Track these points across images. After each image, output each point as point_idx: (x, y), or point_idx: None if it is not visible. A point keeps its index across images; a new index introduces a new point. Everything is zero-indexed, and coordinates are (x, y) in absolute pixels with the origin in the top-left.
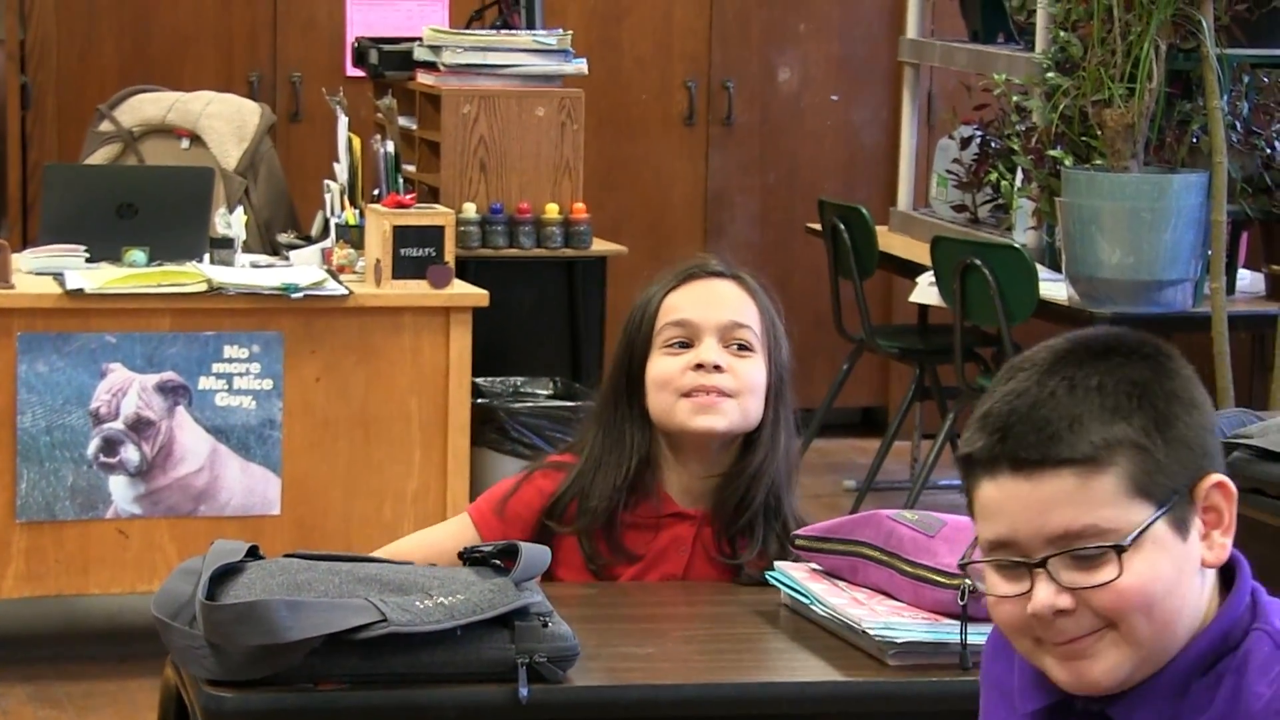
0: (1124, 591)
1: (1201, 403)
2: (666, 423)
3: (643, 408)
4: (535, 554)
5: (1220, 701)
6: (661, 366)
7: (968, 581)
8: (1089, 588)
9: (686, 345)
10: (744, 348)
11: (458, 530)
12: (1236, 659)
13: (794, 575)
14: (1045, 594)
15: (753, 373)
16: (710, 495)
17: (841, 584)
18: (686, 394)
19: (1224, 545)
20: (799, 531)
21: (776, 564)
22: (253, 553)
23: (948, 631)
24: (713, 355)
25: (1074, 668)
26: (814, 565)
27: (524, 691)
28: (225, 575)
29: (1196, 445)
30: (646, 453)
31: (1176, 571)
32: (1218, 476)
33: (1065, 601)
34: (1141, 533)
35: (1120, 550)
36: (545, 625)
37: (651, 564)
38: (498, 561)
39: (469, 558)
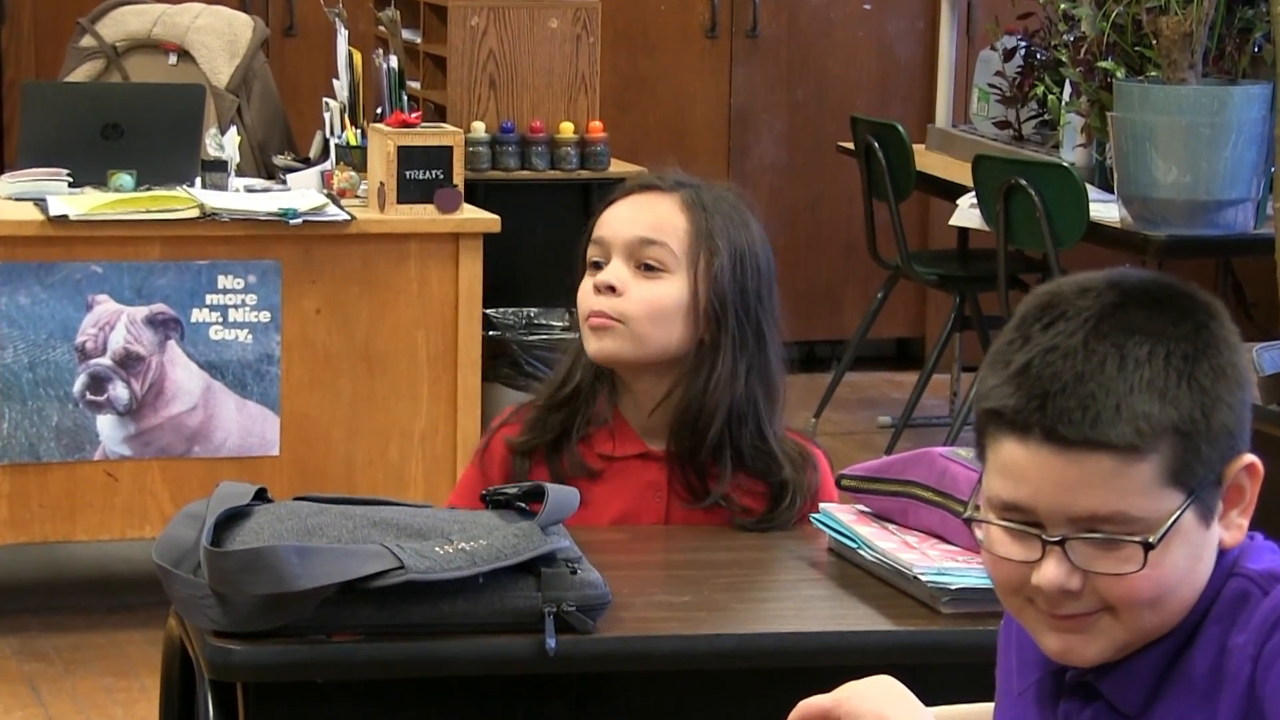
0: (1138, 586)
1: (1244, 378)
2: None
3: None
4: (563, 496)
5: (1200, 660)
6: (580, 289)
7: None
8: (1103, 574)
9: (602, 264)
10: (652, 267)
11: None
12: (1216, 609)
13: (840, 518)
14: (1057, 572)
15: (654, 295)
16: (664, 429)
17: (891, 527)
18: (587, 318)
19: (1241, 526)
20: (846, 471)
21: (822, 506)
22: (260, 496)
23: None
24: (608, 276)
25: (1064, 639)
26: (861, 507)
27: (551, 643)
28: (231, 520)
29: (1235, 427)
30: (593, 380)
31: (1193, 560)
32: (1249, 458)
33: (1075, 583)
34: (1170, 526)
35: (1149, 547)
36: (574, 572)
37: (629, 513)
38: (523, 504)
39: (492, 500)
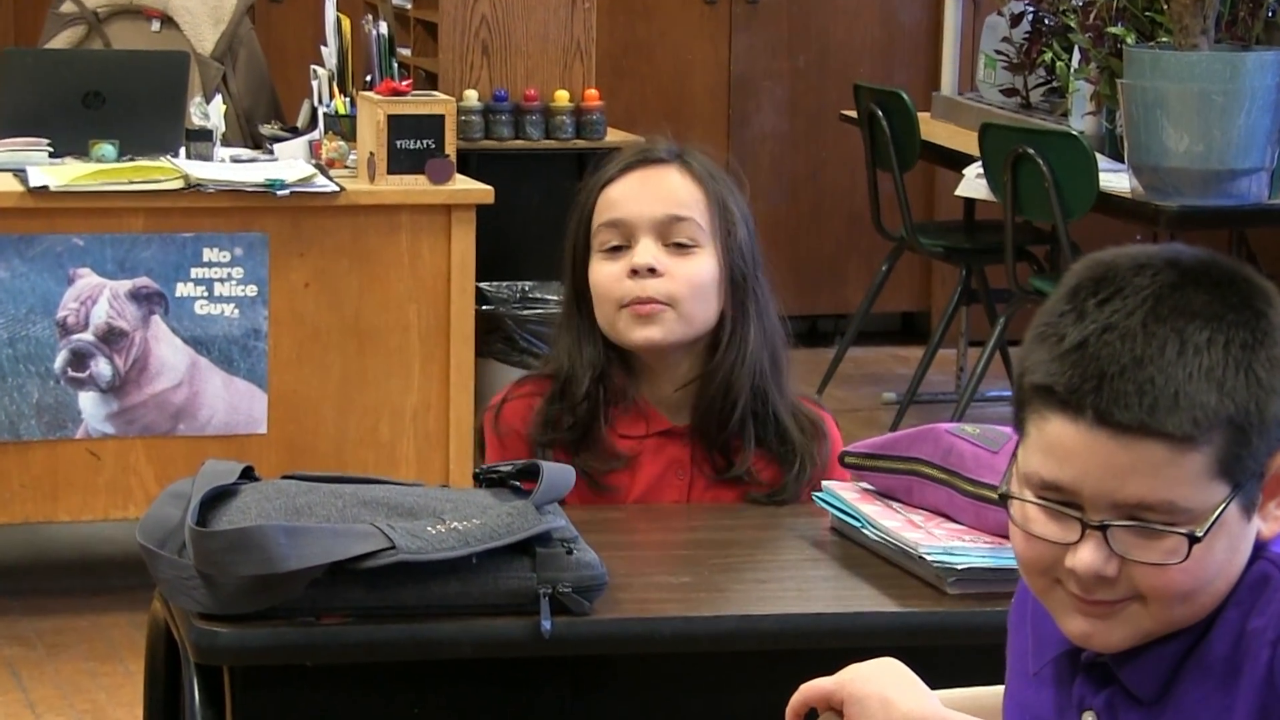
0: (1176, 578)
1: None
2: (612, 336)
3: (594, 315)
4: (558, 474)
5: (1219, 645)
6: (599, 274)
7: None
8: (1143, 563)
9: (623, 248)
10: (684, 245)
11: None
12: (1238, 593)
13: (843, 496)
14: (1094, 557)
15: (695, 272)
16: (689, 406)
17: (896, 505)
18: (626, 304)
19: (1279, 517)
20: (849, 448)
21: (824, 484)
22: (247, 474)
23: (1012, 557)
24: (647, 259)
25: (1089, 624)
26: (865, 485)
27: (546, 624)
28: (217, 499)
29: None
30: (605, 365)
31: (1231, 553)
32: None
33: (1112, 569)
34: (1216, 519)
35: (1194, 540)
36: (569, 552)
37: (651, 491)
38: (517, 482)
39: (485, 478)
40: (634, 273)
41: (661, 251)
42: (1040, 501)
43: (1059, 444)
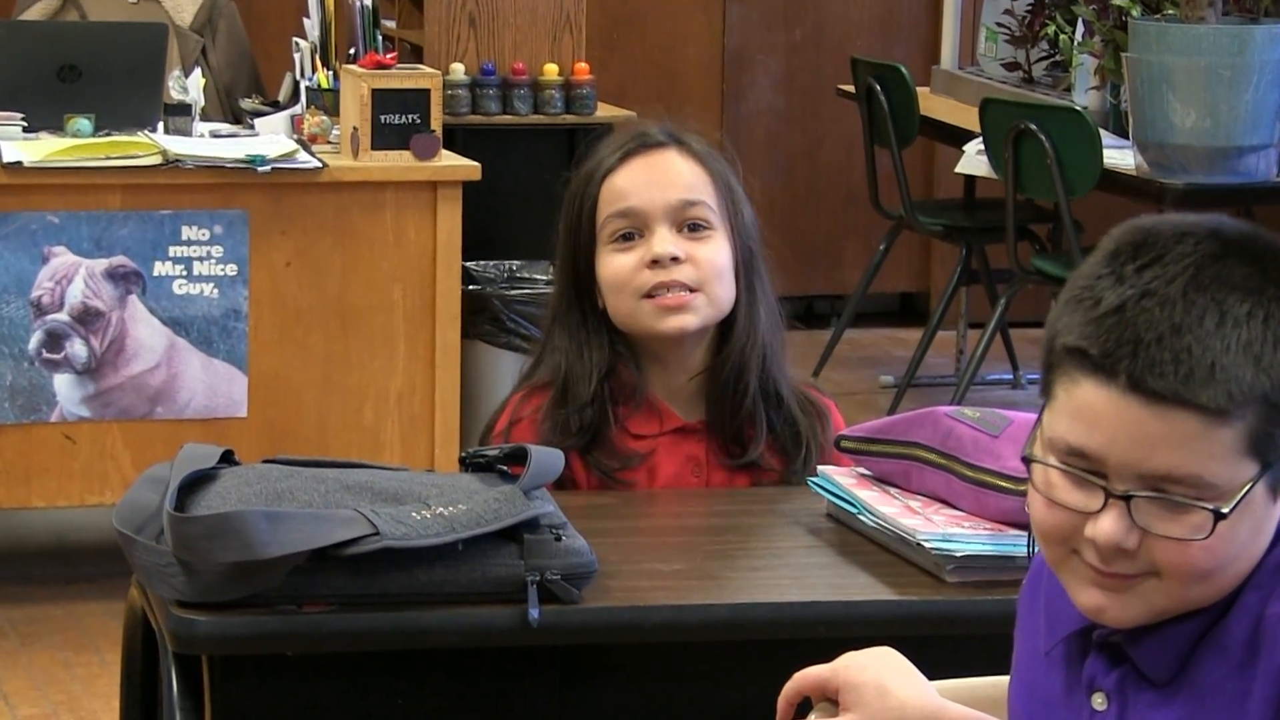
0: (1197, 556)
1: None
2: (632, 327)
3: (599, 310)
4: (547, 457)
5: (1236, 628)
6: (614, 266)
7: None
8: (1164, 538)
9: (635, 236)
10: (699, 227)
11: None
12: (1258, 576)
13: (839, 481)
14: (1115, 528)
15: (715, 255)
16: (702, 396)
17: (893, 490)
18: (648, 294)
19: None
20: (845, 431)
21: (820, 469)
22: (227, 458)
23: (1013, 544)
24: (668, 247)
25: (1102, 596)
26: (862, 469)
27: (534, 613)
28: (196, 484)
29: None
30: (614, 360)
31: (1253, 534)
32: None
33: (1132, 541)
34: (1243, 496)
35: (1219, 516)
36: (558, 539)
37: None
38: (504, 467)
39: (471, 462)
40: (654, 263)
41: (678, 238)
42: (1064, 467)
43: (1088, 409)
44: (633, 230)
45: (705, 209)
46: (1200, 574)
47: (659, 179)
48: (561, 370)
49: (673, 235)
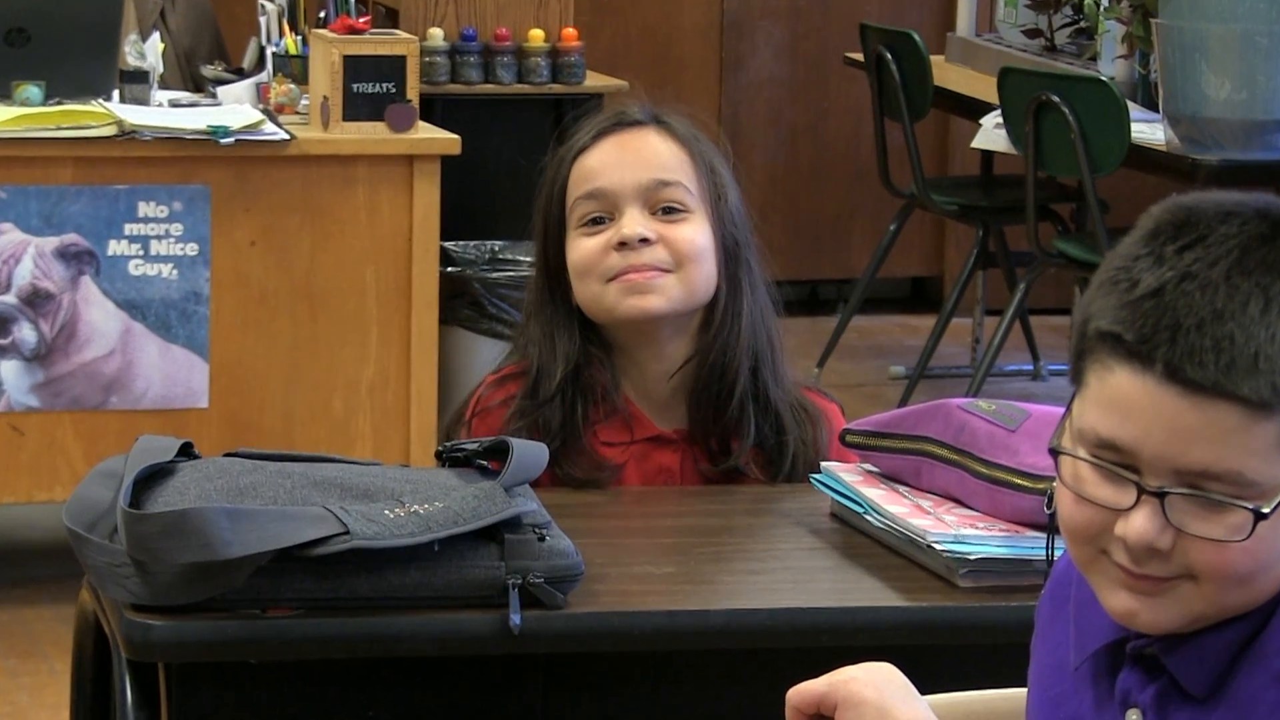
0: (1235, 558)
1: None
2: (597, 313)
3: (571, 302)
4: (530, 452)
5: (1278, 638)
6: (580, 250)
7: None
8: (1200, 538)
9: (605, 220)
10: (674, 209)
11: None
12: None
13: (844, 478)
14: (1148, 526)
15: (691, 236)
16: (682, 400)
17: (902, 489)
18: (614, 278)
19: None
20: (851, 425)
21: (824, 465)
22: (186, 451)
23: (1030, 546)
24: (636, 228)
25: (1134, 600)
26: (868, 466)
27: (516, 619)
28: (152, 479)
29: None
30: (584, 357)
31: None
32: None
33: (1166, 541)
34: None
35: (1260, 517)
36: (542, 539)
37: None
38: (484, 461)
39: (449, 457)
40: (622, 245)
41: (650, 219)
42: (1094, 460)
43: (1122, 398)
44: (602, 214)
45: (681, 191)
46: (1238, 578)
47: (631, 159)
48: (534, 366)
49: (643, 216)
